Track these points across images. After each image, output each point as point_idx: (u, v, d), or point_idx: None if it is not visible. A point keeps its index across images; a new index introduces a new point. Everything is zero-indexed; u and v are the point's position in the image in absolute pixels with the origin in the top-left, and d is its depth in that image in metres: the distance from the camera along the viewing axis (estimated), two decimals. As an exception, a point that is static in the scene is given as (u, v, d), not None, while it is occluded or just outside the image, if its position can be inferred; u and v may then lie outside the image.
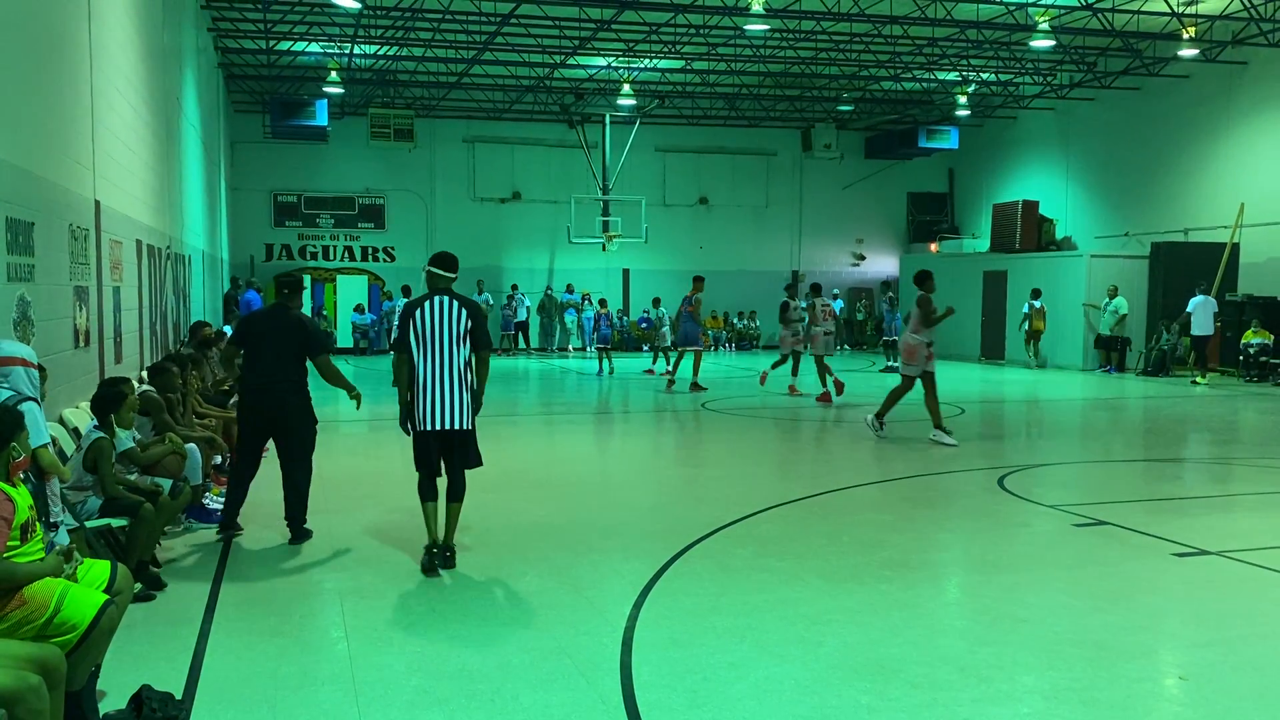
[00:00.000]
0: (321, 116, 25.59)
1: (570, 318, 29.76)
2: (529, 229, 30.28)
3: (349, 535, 7.48)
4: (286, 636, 5.39)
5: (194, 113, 18.01)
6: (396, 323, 6.89)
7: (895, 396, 12.40)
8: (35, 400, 4.90)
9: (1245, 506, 9.07)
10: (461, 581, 6.39)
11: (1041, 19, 19.53)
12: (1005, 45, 22.41)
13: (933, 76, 25.65)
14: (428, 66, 24.62)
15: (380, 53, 23.42)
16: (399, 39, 21.93)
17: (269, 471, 7.73)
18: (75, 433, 6.73)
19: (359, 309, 28.82)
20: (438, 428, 6.55)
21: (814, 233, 32.66)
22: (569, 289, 29.95)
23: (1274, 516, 8.54)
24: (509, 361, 25.78)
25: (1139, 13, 19.79)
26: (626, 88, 25.48)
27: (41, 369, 5.32)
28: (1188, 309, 20.42)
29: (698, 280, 18.48)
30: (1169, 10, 19.20)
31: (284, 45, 22.71)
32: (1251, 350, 20.55)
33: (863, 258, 33.30)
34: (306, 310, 26.85)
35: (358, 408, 7.89)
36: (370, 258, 29.60)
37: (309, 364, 7.48)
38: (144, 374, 9.07)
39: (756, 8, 18.05)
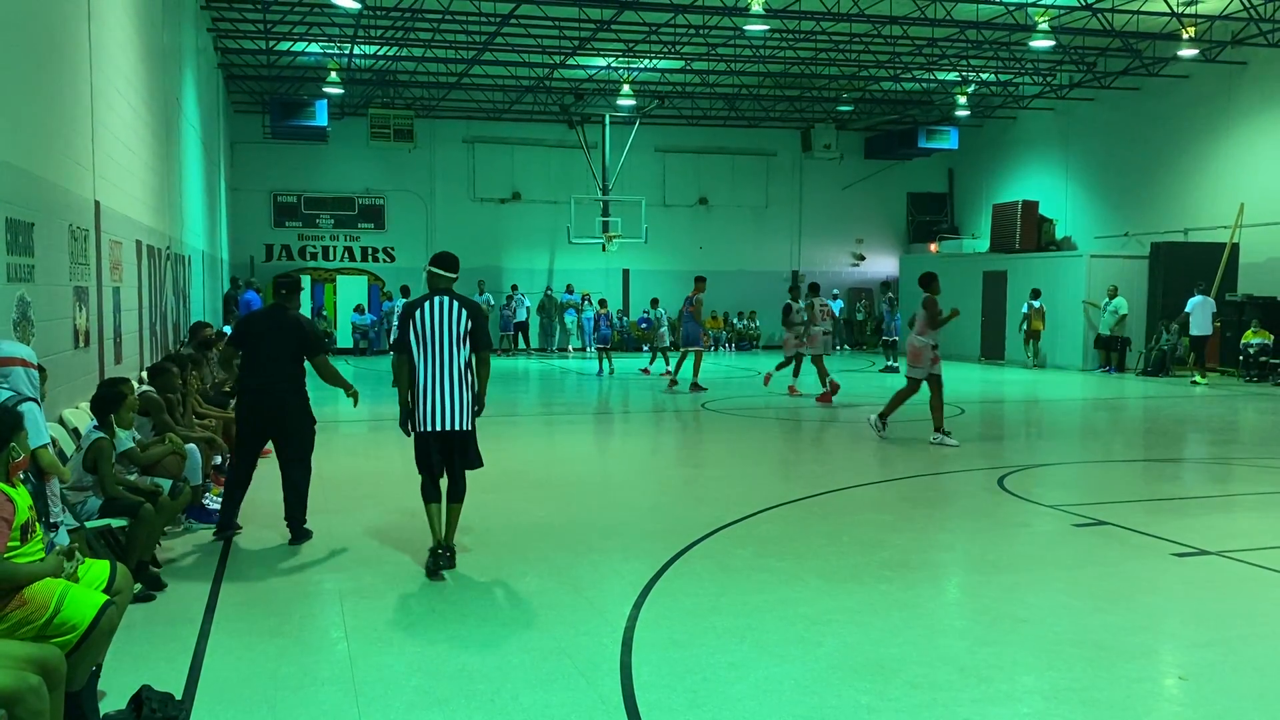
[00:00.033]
0: (321, 117, 25.60)
1: (570, 318, 29.77)
2: (529, 229, 30.28)
3: (349, 536, 7.48)
4: (286, 637, 5.39)
5: (194, 113, 18.02)
6: (396, 323, 6.89)
7: (900, 398, 12.37)
8: (35, 401, 4.89)
9: (1245, 506, 9.07)
10: (461, 582, 6.39)
11: (1041, 19, 19.53)
12: (1005, 45, 22.42)
13: (932, 77, 25.66)
14: (427, 67, 24.62)
15: (380, 53, 23.42)
16: (399, 39, 21.93)
17: (269, 472, 7.73)
18: (75, 433, 6.73)
19: (359, 309, 28.83)
20: (438, 429, 6.53)
21: (814, 233, 32.67)
22: (569, 289, 29.96)
23: (1274, 516, 8.55)
24: (509, 362, 25.78)
25: (1139, 13, 19.79)
26: (626, 88, 25.49)
27: (41, 369, 5.32)
28: (1186, 309, 20.44)
29: (699, 280, 18.50)
30: (1169, 10, 19.20)
31: (284, 45, 22.72)
32: (1251, 350, 20.56)
33: (862, 258, 33.30)
34: (306, 311, 27.04)
35: (355, 405, 7.93)
36: (370, 258, 29.61)
37: (307, 364, 7.49)
38: (144, 374, 9.07)
39: (756, 8, 18.06)
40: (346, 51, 23.16)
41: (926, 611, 5.91)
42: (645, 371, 22.12)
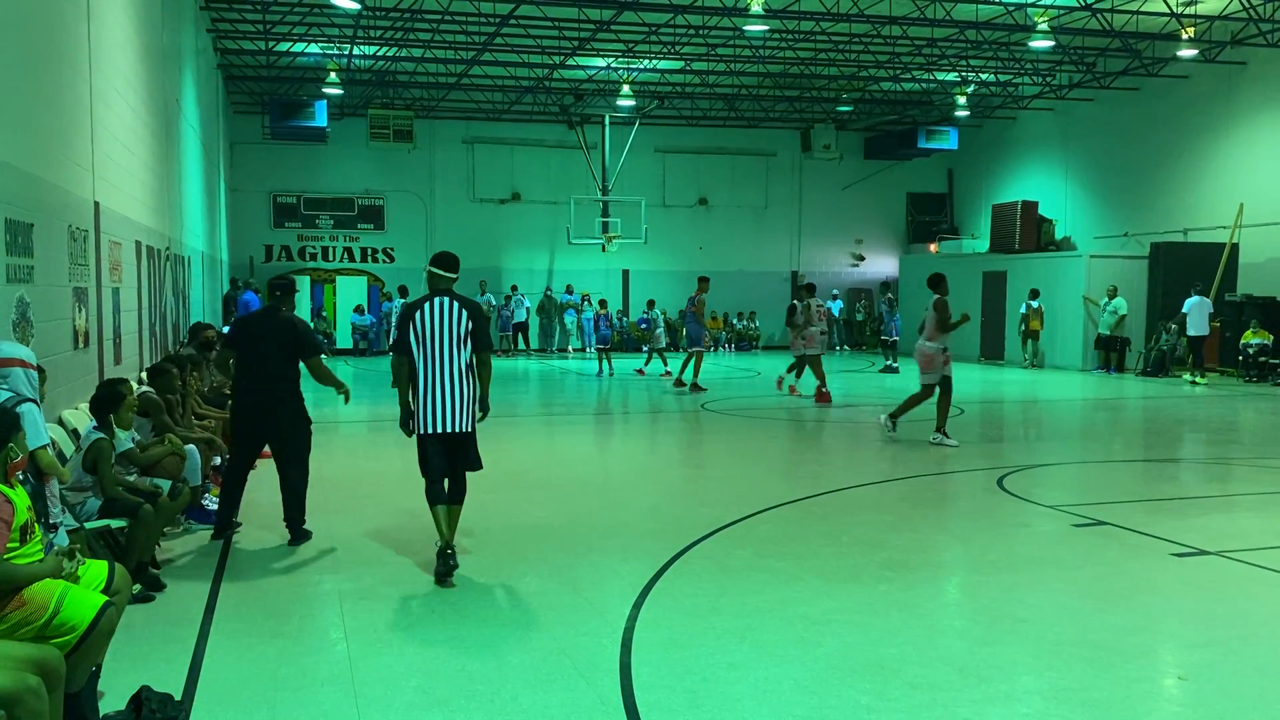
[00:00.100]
0: (321, 117, 25.60)
1: (570, 318, 29.76)
2: (528, 230, 30.27)
3: (348, 536, 7.48)
4: (286, 637, 5.39)
5: (193, 114, 18.01)
6: (395, 324, 6.88)
7: (914, 402, 12.28)
8: (34, 401, 4.90)
9: (1245, 506, 9.07)
10: (461, 582, 6.38)
11: (1040, 19, 19.53)
12: (1004, 46, 22.42)
13: (932, 77, 25.66)
14: (427, 67, 24.63)
15: (379, 53, 23.42)
16: (398, 40, 21.92)
17: (268, 473, 7.73)
18: (74, 434, 6.73)
19: (358, 310, 28.81)
20: (439, 430, 6.51)
21: (813, 233, 32.67)
22: (569, 290, 29.95)
23: (1274, 516, 8.55)
24: (508, 362, 25.77)
25: (1138, 13, 19.79)
26: (626, 88, 25.48)
27: (41, 370, 5.32)
28: (1183, 309, 20.44)
29: (702, 281, 18.52)
30: (1168, 10, 19.20)
31: (283, 46, 22.72)
32: (1251, 350, 20.57)
33: (862, 258, 33.30)
34: (306, 311, 27.05)
35: (345, 402, 7.98)
36: (370, 259, 29.60)
37: (302, 366, 7.50)
38: (143, 375, 9.07)
39: (756, 8, 18.06)
40: (346, 52, 23.16)
41: (926, 612, 5.91)
42: (640, 372, 22.12)
